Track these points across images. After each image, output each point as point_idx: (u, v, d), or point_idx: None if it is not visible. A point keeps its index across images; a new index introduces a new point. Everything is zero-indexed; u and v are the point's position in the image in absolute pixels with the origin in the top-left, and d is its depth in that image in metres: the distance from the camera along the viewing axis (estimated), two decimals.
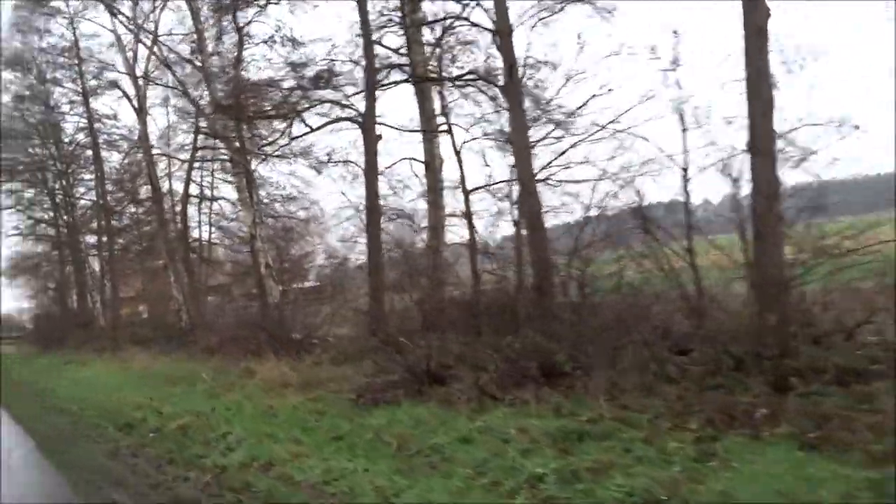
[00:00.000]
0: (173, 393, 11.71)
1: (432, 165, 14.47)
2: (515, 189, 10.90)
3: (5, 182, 32.26)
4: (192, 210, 24.74)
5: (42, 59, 28.92)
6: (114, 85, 28.12)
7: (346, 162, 16.34)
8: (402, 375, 9.33)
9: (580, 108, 11.11)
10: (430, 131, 13.87)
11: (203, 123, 21.82)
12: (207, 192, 24.63)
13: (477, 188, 12.43)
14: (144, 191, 28.17)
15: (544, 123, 12.61)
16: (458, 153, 12.78)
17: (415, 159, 14.64)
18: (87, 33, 26.54)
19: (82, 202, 32.69)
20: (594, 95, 11.06)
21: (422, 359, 9.17)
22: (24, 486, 7.10)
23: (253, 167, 18.06)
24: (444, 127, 14.54)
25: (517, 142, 10.26)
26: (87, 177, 32.12)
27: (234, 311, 22.40)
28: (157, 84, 21.29)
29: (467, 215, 12.32)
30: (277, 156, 19.16)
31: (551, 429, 5.97)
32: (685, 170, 7.84)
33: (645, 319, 7.85)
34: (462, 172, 12.61)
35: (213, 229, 25.57)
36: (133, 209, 30.63)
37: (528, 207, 10.19)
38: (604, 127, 10.63)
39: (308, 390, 10.09)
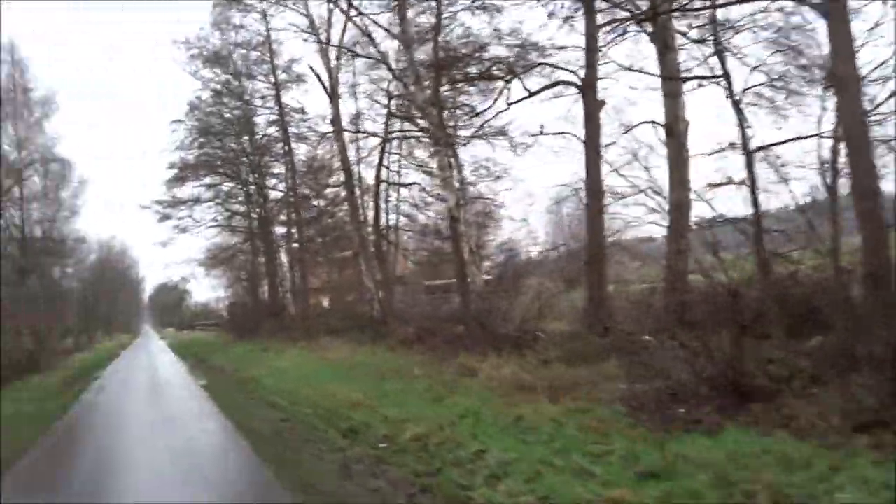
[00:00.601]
0: (387, 391, 10.24)
1: (675, 129, 12.01)
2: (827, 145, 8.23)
3: (205, 176, 33.87)
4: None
5: (238, 55, 29.82)
6: (302, 79, 28.63)
7: (561, 133, 14.36)
8: (690, 386, 7.12)
9: None
10: (687, 78, 11.41)
11: (396, 104, 20.93)
12: (396, 179, 23.58)
13: (769, 145, 9.73)
14: (333, 181, 28.14)
15: None
16: (736, 104, 10.14)
17: (655, 122, 12.24)
18: (278, 27, 26.59)
19: (273, 194, 33.44)
20: None
21: (723, 365, 6.87)
22: None
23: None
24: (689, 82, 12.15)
25: (845, 77, 7.54)
26: (278, 170, 32.90)
27: (428, 301, 21.19)
28: (355, 55, 20.31)
29: (750, 182, 9.67)
30: (479, 136, 17.69)
31: None
32: None
33: None
34: (743, 129, 9.96)
35: (401, 217, 24.53)
36: (319, 202, 30.76)
37: (859, 167, 7.47)
38: None
39: (559, 397, 8.13)
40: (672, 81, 12.06)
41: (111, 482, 6.81)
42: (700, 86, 11.63)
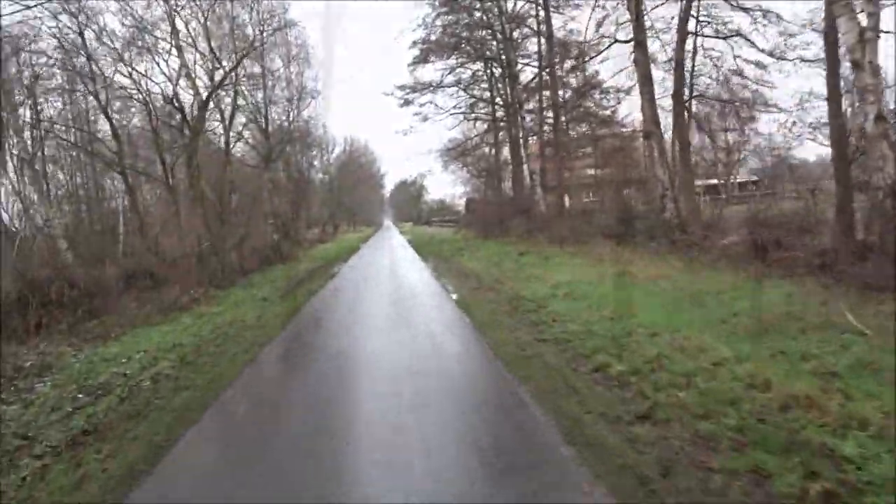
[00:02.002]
0: (800, 356, 5.21)
1: None
2: None
3: (448, 56, 30.15)
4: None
5: None
6: None
7: None
8: None
9: None
10: None
11: None
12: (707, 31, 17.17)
13: None
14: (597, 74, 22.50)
15: None
16: None
17: None
18: None
19: (523, 76, 28.84)
20: None
21: None
22: None
23: None
24: None
25: None
26: (528, 50, 28.19)
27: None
28: None
29: None
30: None
31: None
32: None
33: None
34: None
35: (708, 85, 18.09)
36: (577, 80, 25.62)
37: None
38: None
39: None
40: None
41: None
42: None
